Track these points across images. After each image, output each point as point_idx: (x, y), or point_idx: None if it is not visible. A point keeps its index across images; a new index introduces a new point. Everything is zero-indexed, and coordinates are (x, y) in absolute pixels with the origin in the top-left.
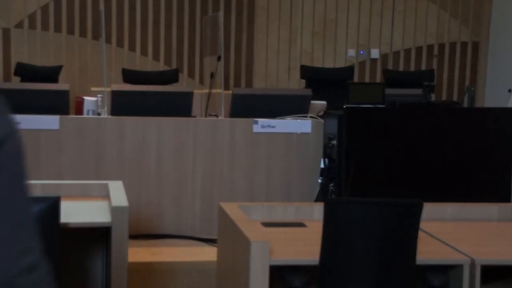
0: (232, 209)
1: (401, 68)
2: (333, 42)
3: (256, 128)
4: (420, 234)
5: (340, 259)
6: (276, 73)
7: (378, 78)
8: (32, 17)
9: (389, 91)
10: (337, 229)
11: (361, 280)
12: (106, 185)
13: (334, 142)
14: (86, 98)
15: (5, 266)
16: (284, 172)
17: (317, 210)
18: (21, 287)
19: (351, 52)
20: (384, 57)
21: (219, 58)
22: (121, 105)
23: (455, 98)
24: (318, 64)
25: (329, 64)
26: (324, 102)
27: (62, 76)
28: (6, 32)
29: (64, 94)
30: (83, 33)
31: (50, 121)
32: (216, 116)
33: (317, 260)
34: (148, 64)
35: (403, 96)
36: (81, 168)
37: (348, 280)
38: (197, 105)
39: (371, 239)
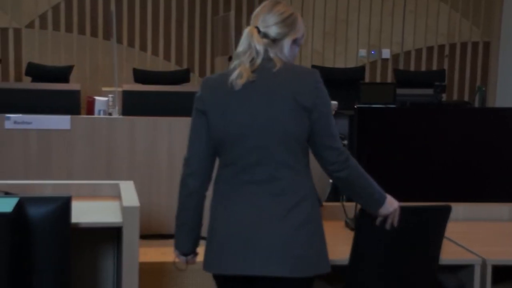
0: None
1: (412, 68)
2: (344, 42)
3: None
4: None
5: (369, 265)
6: None
7: (389, 78)
8: (43, 17)
9: (400, 91)
10: (369, 236)
11: (387, 284)
12: (117, 185)
13: (345, 142)
14: (97, 98)
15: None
16: None
17: (328, 209)
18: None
19: (362, 52)
20: (395, 57)
21: (230, 58)
22: (132, 105)
23: (466, 98)
24: (329, 64)
25: (340, 64)
26: (335, 102)
27: (73, 76)
28: (17, 32)
29: (75, 94)
30: (94, 33)
31: (61, 121)
32: None
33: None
34: (159, 64)
35: (414, 96)
36: (92, 168)
37: (375, 284)
38: None
39: (401, 244)
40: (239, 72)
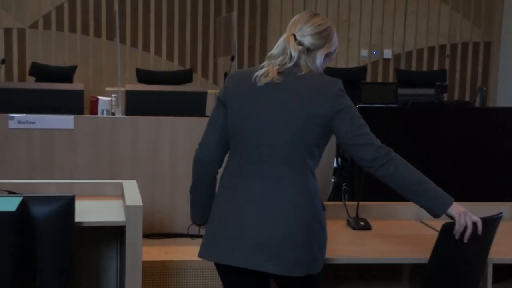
0: None
1: (413, 68)
2: (346, 43)
3: None
4: (433, 233)
5: (445, 277)
6: None
7: (391, 78)
8: (46, 18)
9: (401, 91)
10: (449, 250)
11: None
12: (120, 185)
13: None
14: (100, 98)
15: None
16: None
17: (330, 208)
18: None
19: (364, 52)
20: (396, 57)
21: (232, 58)
22: (135, 105)
23: (467, 98)
24: (331, 64)
25: (342, 64)
26: None
27: (76, 76)
28: (21, 32)
29: (79, 94)
30: (97, 33)
31: (64, 121)
32: None
33: (331, 259)
34: (162, 64)
35: (416, 96)
36: (96, 168)
37: None
38: (211, 105)
39: (471, 253)
40: (265, 71)
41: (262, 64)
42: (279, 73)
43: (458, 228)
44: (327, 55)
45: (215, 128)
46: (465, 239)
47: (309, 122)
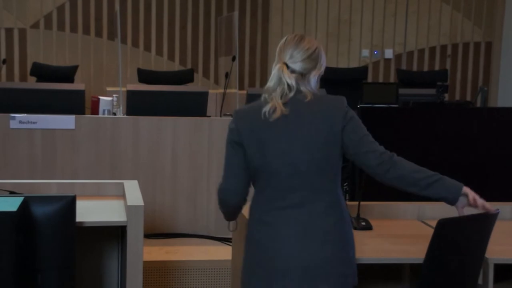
0: (246, 208)
1: (414, 68)
2: (347, 43)
3: None
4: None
5: (442, 274)
6: None
7: (392, 78)
8: (48, 18)
9: (402, 91)
10: (444, 246)
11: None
12: (121, 185)
13: None
14: (101, 98)
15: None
16: None
17: None
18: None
19: (365, 52)
20: (397, 57)
21: (233, 58)
22: (137, 105)
23: (468, 98)
24: (332, 64)
25: (343, 64)
26: None
27: (77, 76)
28: (22, 32)
29: (80, 94)
30: (98, 33)
31: (66, 121)
32: (231, 115)
33: None
34: (163, 64)
35: (417, 96)
36: (97, 168)
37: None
38: (212, 105)
39: (467, 251)
40: (272, 106)
41: (263, 97)
42: (285, 103)
43: (478, 203)
44: (319, 75)
45: (236, 169)
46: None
47: (328, 142)
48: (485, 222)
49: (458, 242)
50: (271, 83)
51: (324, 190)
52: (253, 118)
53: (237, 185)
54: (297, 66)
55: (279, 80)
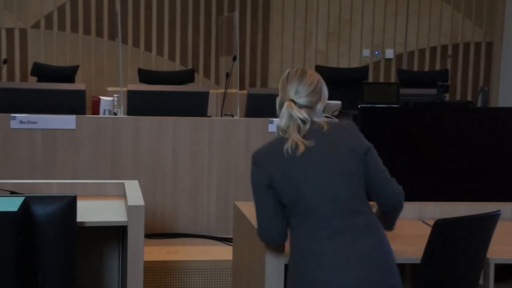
0: (247, 208)
1: (415, 68)
2: (348, 42)
3: (272, 128)
4: None
5: (440, 274)
6: None
7: (393, 78)
8: (48, 18)
9: (403, 91)
10: (442, 247)
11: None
12: (122, 185)
13: None
14: (102, 98)
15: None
16: None
17: None
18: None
19: (366, 52)
20: (398, 57)
21: (234, 58)
22: (137, 105)
23: (469, 98)
24: (332, 64)
25: (343, 64)
26: (339, 102)
27: (78, 76)
28: (23, 32)
29: (81, 94)
30: (99, 33)
31: (66, 121)
32: (232, 115)
33: None
34: (164, 64)
35: (417, 96)
36: (97, 168)
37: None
38: (212, 105)
39: (464, 252)
40: (292, 142)
41: (277, 135)
42: (304, 136)
43: None
44: (324, 106)
45: (273, 212)
46: None
47: (356, 166)
48: (485, 223)
49: (456, 242)
50: (282, 121)
51: (361, 212)
52: (277, 158)
53: (277, 227)
54: (304, 100)
55: (290, 117)
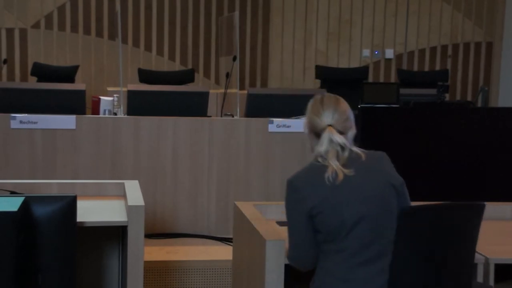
0: (247, 208)
1: (415, 68)
2: (348, 43)
3: (272, 128)
4: None
5: (411, 265)
6: (291, 73)
7: (393, 78)
8: (48, 18)
9: (403, 91)
10: (412, 235)
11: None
12: (122, 185)
13: None
14: (102, 98)
15: None
16: None
17: None
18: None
19: (366, 52)
20: (398, 57)
21: (234, 58)
22: (137, 105)
23: (469, 98)
24: (333, 64)
25: (343, 64)
26: None
27: (78, 76)
28: (23, 32)
29: (81, 94)
30: (99, 33)
31: (66, 121)
32: (232, 115)
33: None
34: (164, 64)
35: (418, 96)
36: (97, 168)
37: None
38: (212, 105)
39: (438, 243)
40: (332, 171)
41: (316, 161)
42: (344, 165)
43: None
44: (354, 134)
45: (307, 236)
46: None
47: (394, 197)
48: (462, 213)
49: (427, 235)
50: (322, 147)
51: (390, 241)
52: (318, 185)
53: (310, 253)
54: (340, 127)
55: (330, 142)
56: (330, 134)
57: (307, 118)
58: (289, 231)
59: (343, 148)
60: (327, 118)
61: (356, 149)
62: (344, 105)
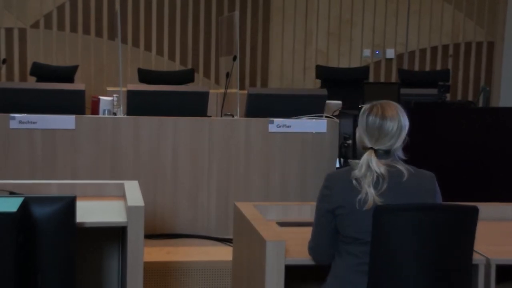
0: (247, 209)
1: (416, 68)
2: (349, 42)
3: (272, 128)
4: None
5: (390, 268)
6: (292, 73)
7: (393, 78)
8: (48, 17)
9: (404, 91)
10: (387, 237)
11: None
12: (122, 185)
13: (350, 141)
14: (102, 98)
15: None
16: (299, 172)
17: None
18: None
19: (366, 52)
20: (399, 57)
21: (234, 58)
22: (137, 105)
23: (470, 98)
24: (333, 64)
25: (344, 64)
26: (339, 102)
27: (78, 76)
28: (22, 32)
29: (80, 94)
30: (99, 33)
31: (66, 121)
32: (232, 115)
33: None
34: (163, 64)
35: (418, 96)
36: (97, 168)
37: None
38: (212, 105)
39: (423, 246)
40: (365, 195)
41: (356, 176)
42: (380, 194)
43: None
44: (405, 141)
45: (328, 232)
46: None
47: None
48: (455, 215)
49: (405, 236)
50: (360, 171)
51: None
52: (348, 189)
53: (328, 249)
54: (385, 146)
55: (368, 168)
56: (369, 158)
57: (358, 123)
58: (314, 222)
59: (382, 177)
60: (370, 139)
61: (401, 166)
62: (392, 121)
